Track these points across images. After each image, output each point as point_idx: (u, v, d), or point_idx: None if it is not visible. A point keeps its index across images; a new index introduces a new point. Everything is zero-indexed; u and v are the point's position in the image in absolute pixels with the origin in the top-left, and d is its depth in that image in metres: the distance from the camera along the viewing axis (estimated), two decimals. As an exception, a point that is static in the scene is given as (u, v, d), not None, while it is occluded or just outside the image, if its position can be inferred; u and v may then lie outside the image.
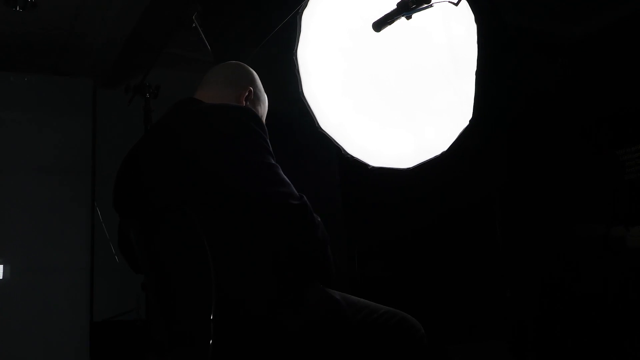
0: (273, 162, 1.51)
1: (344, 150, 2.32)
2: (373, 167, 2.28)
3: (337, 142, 2.33)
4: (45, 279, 4.56)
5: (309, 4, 2.30)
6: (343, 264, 3.31)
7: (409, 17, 1.65)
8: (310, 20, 2.32)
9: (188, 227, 1.43)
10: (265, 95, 1.92)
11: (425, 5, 1.60)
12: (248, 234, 1.45)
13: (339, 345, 1.50)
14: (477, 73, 1.97)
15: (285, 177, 1.50)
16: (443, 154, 2.11)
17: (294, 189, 1.49)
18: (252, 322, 1.41)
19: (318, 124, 2.35)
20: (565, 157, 2.37)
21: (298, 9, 2.30)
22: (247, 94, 1.80)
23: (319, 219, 1.53)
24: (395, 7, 1.63)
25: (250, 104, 1.81)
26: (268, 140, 1.54)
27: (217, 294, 1.38)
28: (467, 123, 2.03)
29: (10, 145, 4.68)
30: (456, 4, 1.64)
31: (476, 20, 1.94)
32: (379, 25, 1.64)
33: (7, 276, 4.55)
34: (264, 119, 1.86)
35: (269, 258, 1.47)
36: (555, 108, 2.30)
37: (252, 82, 1.86)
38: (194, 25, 2.40)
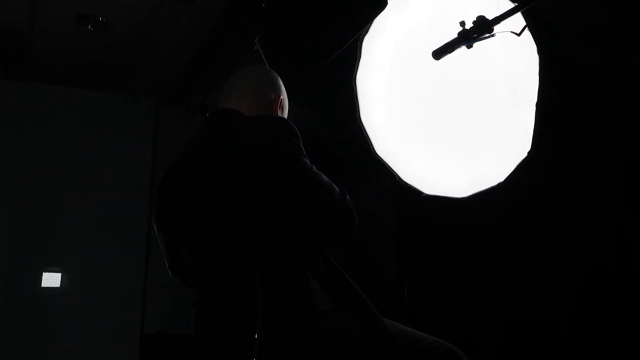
0: (310, 164, 1.57)
1: (398, 177, 2.31)
2: (427, 195, 2.26)
3: (391, 169, 2.32)
4: (101, 289, 4.68)
5: (370, 31, 2.32)
6: (393, 293, 3.27)
7: (469, 46, 1.63)
8: (370, 47, 2.34)
9: (239, 247, 1.45)
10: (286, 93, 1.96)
11: (487, 35, 1.58)
12: (297, 238, 1.51)
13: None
14: (538, 105, 1.94)
15: (324, 176, 1.57)
16: (499, 186, 2.08)
17: (335, 187, 1.57)
18: (298, 347, 1.41)
19: (374, 149, 2.35)
20: (628, 196, 2.29)
21: (358, 36, 2.32)
22: (280, 103, 1.84)
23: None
24: (456, 36, 1.62)
25: (280, 110, 1.85)
26: (302, 145, 1.60)
27: (263, 315, 1.39)
28: (525, 155, 2.00)
29: (73, 159, 4.85)
30: (518, 35, 1.62)
31: (539, 52, 1.92)
32: (438, 53, 1.63)
33: (65, 284, 4.69)
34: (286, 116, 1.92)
35: (319, 269, 1.51)
36: (617, 142, 2.23)
37: (279, 88, 1.88)
38: (255, 48, 2.45)
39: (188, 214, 1.60)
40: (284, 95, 1.90)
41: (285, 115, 1.91)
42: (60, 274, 4.71)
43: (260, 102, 1.79)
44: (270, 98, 1.81)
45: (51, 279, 4.68)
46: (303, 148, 1.59)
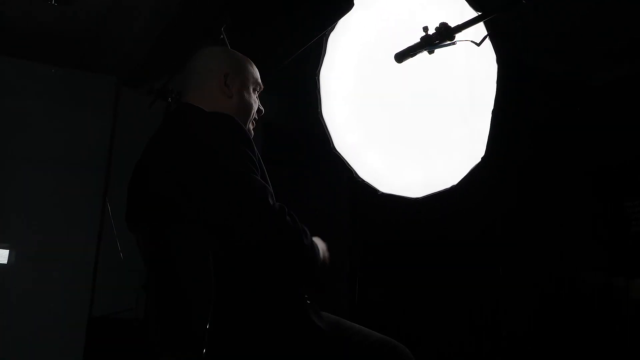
0: (246, 170, 1.47)
1: (356, 174, 2.34)
2: (382, 193, 2.30)
3: (349, 165, 2.36)
4: (49, 268, 4.60)
5: (336, 28, 2.35)
6: (344, 288, 3.32)
7: (431, 52, 1.67)
8: (335, 44, 2.36)
9: (193, 236, 1.46)
10: (248, 64, 1.85)
11: (449, 42, 1.62)
12: (228, 241, 1.44)
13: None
14: (494, 112, 2.00)
15: (259, 184, 1.45)
16: (452, 188, 2.13)
17: (269, 195, 1.45)
18: (245, 337, 1.44)
19: (333, 145, 2.38)
20: (573, 203, 2.38)
21: (325, 32, 2.35)
22: (225, 80, 1.76)
23: (300, 226, 1.48)
24: (419, 40, 1.65)
25: (232, 85, 1.77)
26: (248, 149, 1.52)
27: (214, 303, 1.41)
28: (478, 160, 2.06)
29: (29, 134, 4.75)
30: (478, 45, 1.67)
31: (497, 61, 1.97)
32: (401, 56, 1.67)
33: (12, 261, 4.59)
34: (252, 86, 1.84)
35: (252, 270, 1.48)
36: (568, 153, 2.32)
37: (224, 64, 1.80)
38: (221, 36, 2.44)
39: (142, 207, 1.61)
40: (236, 68, 1.81)
41: (247, 84, 1.82)
42: (7, 250, 4.61)
43: (207, 88, 1.75)
44: (214, 82, 1.76)
45: (-2, 255, 4.58)
46: (252, 154, 1.53)
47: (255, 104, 1.84)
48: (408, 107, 2.19)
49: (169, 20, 4.01)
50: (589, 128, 2.39)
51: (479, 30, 1.77)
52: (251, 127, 1.84)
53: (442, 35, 1.62)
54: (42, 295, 4.54)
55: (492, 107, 2.01)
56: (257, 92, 1.87)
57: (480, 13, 1.72)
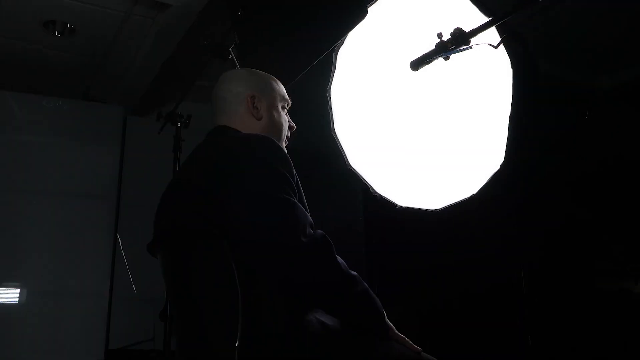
0: (286, 196, 1.45)
1: (372, 189, 2.31)
2: (400, 206, 2.27)
3: (365, 180, 2.33)
4: (63, 304, 4.54)
5: (345, 42, 2.33)
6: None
7: (446, 58, 1.64)
8: (345, 59, 2.35)
9: (217, 254, 1.43)
10: (273, 83, 1.83)
11: (464, 47, 1.59)
12: (258, 268, 1.43)
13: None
14: (511, 118, 1.97)
15: (300, 212, 1.44)
16: (472, 197, 2.10)
17: (308, 225, 1.43)
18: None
19: (347, 161, 2.35)
20: (593, 207, 2.34)
21: (334, 47, 2.33)
22: (253, 102, 1.74)
23: (338, 259, 1.46)
24: (433, 47, 1.63)
25: (260, 106, 1.75)
26: (288, 172, 1.50)
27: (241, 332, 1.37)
28: (497, 167, 2.03)
29: (37, 168, 4.72)
30: (496, 47, 1.64)
31: (512, 66, 1.95)
32: (416, 64, 1.64)
33: (23, 300, 4.50)
34: (280, 104, 1.81)
35: (279, 293, 1.44)
36: (586, 156, 2.28)
37: (249, 86, 1.78)
38: (230, 57, 2.43)
39: (169, 221, 1.59)
40: (262, 89, 1.79)
41: (275, 102, 1.80)
42: (18, 289, 4.54)
43: (235, 112, 1.74)
44: (241, 106, 1.75)
45: (9, 295, 4.50)
46: (290, 176, 1.51)
47: (286, 121, 1.83)
48: (423, 117, 2.16)
49: (175, 45, 4.01)
50: (607, 130, 2.36)
51: (494, 35, 1.75)
52: (284, 145, 1.82)
53: (458, 41, 1.59)
54: (57, 333, 4.47)
55: (509, 113, 1.98)
56: (286, 108, 1.85)
57: (491, 18, 1.70)
